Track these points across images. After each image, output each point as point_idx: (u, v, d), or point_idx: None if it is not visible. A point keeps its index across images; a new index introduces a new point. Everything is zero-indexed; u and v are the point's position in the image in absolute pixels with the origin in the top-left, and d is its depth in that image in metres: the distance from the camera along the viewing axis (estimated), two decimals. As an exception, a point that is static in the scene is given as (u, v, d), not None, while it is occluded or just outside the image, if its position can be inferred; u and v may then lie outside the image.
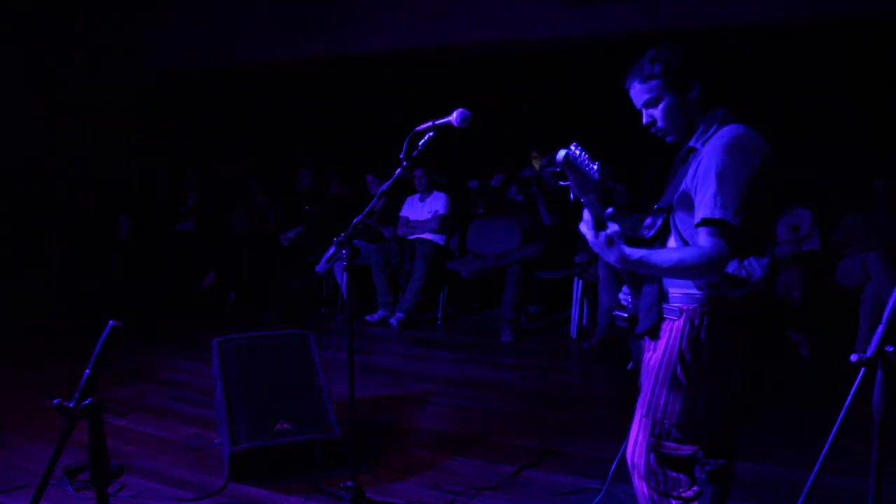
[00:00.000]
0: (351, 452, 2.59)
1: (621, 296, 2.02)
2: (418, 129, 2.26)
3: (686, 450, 1.82)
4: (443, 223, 5.88)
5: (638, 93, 1.86)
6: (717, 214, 1.64)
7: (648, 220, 1.92)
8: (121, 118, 7.97)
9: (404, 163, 2.29)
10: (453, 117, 2.21)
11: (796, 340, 4.58)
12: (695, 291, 1.77)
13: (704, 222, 1.67)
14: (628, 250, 1.70)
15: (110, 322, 1.52)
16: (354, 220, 2.38)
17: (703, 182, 1.70)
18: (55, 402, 1.48)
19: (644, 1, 5.49)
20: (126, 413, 3.66)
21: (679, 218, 1.81)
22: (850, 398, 1.41)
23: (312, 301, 6.23)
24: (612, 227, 1.71)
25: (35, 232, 7.23)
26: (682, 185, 1.78)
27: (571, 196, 1.71)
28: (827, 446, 1.47)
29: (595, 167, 1.68)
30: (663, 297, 1.84)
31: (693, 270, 1.70)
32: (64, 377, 3.78)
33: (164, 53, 7.45)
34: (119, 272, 6.79)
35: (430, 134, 2.26)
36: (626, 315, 1.94)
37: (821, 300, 4.59)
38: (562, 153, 1.63)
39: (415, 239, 5.87)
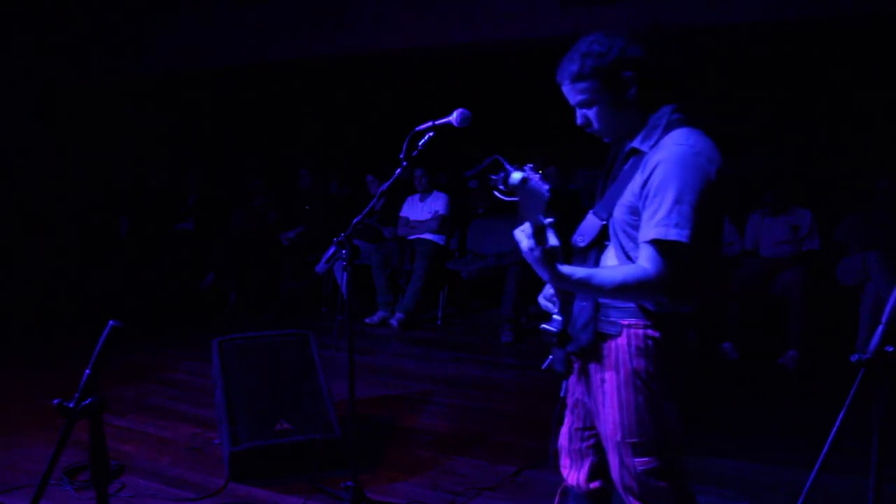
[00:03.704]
0: (351, 452, 2.59)
1: (542, 300, 1.85)
2: (418, 129, 2.26)
3: (666, 460, 1.72)
4: (443, 223, 5.88)
5: (569, 93, 1.68)
6: (672, 236, 1.51)
7: (582, 227, 1.78)
8: (121, 118, 7.97)
9: (404, 163, 2.29)
10: (453, 117, 2.21)
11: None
12: (634, 305, 1.65)
13: (655, 243, 1.53)
14: (567, 270, 1.58)
15: (110, 322, 1.52)
16: (354, 220, 2.38)
17: (656, 195, 1.54)
18: (55, 402, 1.48)
19: (643, 1, 5.49)
20: (126, 413, 3.66)
21: (621, 228, 1.66)
22: (849, 398, 1.41)
23: (312, 301, 6.23)
24: (552, 241, 1.57)
25: (35, 232, 7.23)
26: (627, 192, 1.63)
27: (519, 220, 1.57)
28: (827, 446, 1.46)
29: (546, 188, 1.56)
30: (600, 311, 1.69)
31: (635, 293, 1.59)
32: (64, 377, 3.80)
33: (164, 53, 7.44)
34: (119, 272, 6.78)
35: (430, 134, 2.26)
36: (554, 330, 1.77)
37: (821, 300, 4.59)
38: (517, 176, 1.52)
39: (415, 239, 5.87)
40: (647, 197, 1.57)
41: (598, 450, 1.85)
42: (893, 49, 5.06)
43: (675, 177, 1.53)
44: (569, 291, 1.73)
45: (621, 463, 1.73)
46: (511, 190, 1.54)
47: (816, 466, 1.49)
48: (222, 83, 7.78)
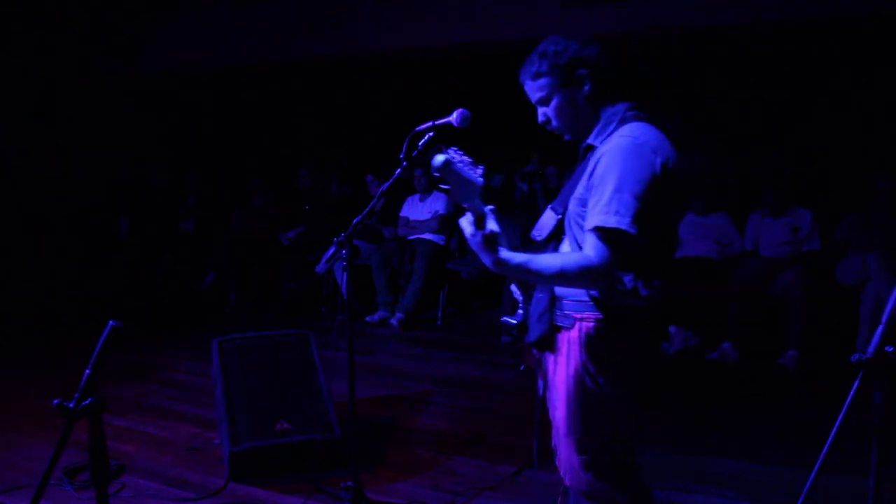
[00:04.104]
0: (351, 452, 2.59)
1: (513, 287, 1.88)
2: (418, 129, 2.26)
3: (610, 458, 1.73)
4: (443, 223, 5.88)
5: (530, 91, 1.77)
6: (611, 223, 1.52)
7: (540, 222, 1.81)
8: (121, 118, 7.97)
9: (404, 163, 2.29)
10: (453, 117, 2.21)
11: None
12: (587, 299, 1.65)
13: (596, 230, 1.55)
14: (506, 255, 1.61)
15: (110, 322, 1.52)
16: (354, 220, 2.38)
17: (599, 185, 1.57)
18: (55, 402, 1.48)
19: (643, 1, 5.49)
20: (126, 413, 3.66)
21: (574, 221, 1.69)
22: (850, 398, 1.40)
23: (312, 301, 6.23)
24: (491, 227, 1.61)
25: (35, 232, 7.23)
26: (579, 186, 1.67)
27: (451, 202, 1.67)
28: (827, 446, 1.46)
29: (478, 172, 1.61)
30: (555, 304, 1.71)
31: (576, 280, 1.61)
32: (64, 377, 3.80)
33: (164, 53, 7.44)
34: (119, 272, 6.78)
35: (430, 134, 2.26)
36: (514, 322, 1.81)
37: (821, 300, 4.59)
38: (440, 158, 1.57)
39: (415, 239, 5.87)
40: (592, 188, 1.60)
41: None
42: (893, 49, 5.05)
43: (616, 166, 1.56)
44: (528, 283, 1.77)
45: (569, 457, 1.74)
46: (440, 175, 1.59)
47: (816, 466, 1.49)
48: (222, 83, 7.78)
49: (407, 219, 6.06)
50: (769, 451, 3.10)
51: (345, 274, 2.51)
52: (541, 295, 1.74)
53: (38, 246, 7.11)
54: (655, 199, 1.55)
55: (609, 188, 1.55)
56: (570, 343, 1.68)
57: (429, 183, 5.96)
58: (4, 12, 7.14)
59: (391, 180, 2.37)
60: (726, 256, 5.09)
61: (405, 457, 3.15)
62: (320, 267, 2.60)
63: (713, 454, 3.09)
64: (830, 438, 1.45)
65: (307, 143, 7.91)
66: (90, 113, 7.79)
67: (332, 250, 2.43)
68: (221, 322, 5.82)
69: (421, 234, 5.90)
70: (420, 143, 2.27)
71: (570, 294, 1.69)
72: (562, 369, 1.71)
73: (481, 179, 1.62)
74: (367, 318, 5.65)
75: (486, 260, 1.62)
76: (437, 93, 6.44)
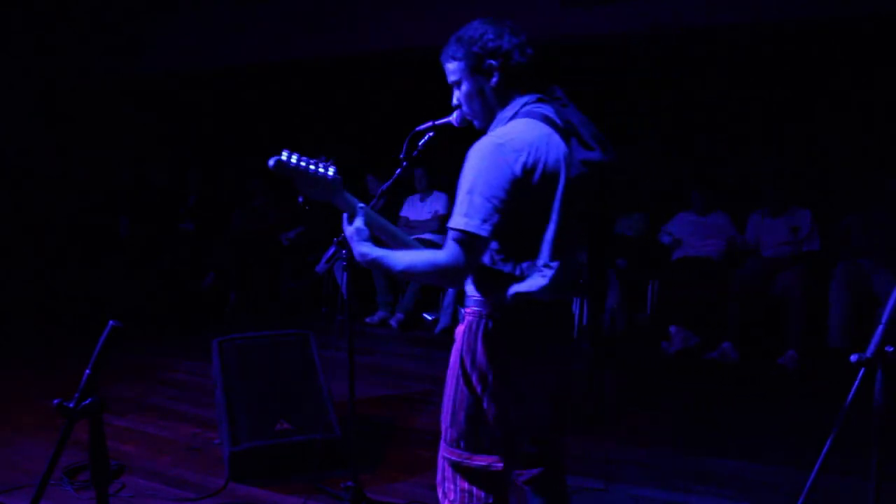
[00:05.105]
0: (351, 452, 2.59)
1: None
2: (418, 129, 2.26)
3: (478, 461, 1.65)
4: (443, 223, 5.87)
5: (447, 72, 1.78)
6: (460, 225, 1.52)
7: None
8: (121, 118, 7.97)
9: (404, 163, 2.29)
10: (453, 117, 2.20)
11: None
12: (477, 293, 1.65)
13: (451, 230, 1.55)
14: (366, 249, 1.66)
15: (110, 322, 1.52)
16: (355, 220, 2.38)
17: (460, 186, 1.57)
18: (55, 402, 1.48)
19: (643, 1, 5.49)
20: (126, 413, 3.66)
21: None
22: (850, 398, 1.41)
23: (312, 301, 6.23)
24: (356, 223, 1.71)
25: (35, 232, 7.23)
26: None
27: (301, 199, 1.77)
28: (827, 446, 1.47)
29: (331, 170, 1.71)
30: (460, 297, 1.73)
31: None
32: (64, 377, 3.80)
33: (164, 53, 7.44)
34: (119, 272, 6.79)
35: (430, 134, 2.25)
36: (431, 318, 1.89)
37: (821, 300, 4.58)
38: (272, 161, 1.67)
39: (415, 239, 5.86)
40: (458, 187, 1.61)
41: None
42: (893, 49, 5.05)
43: (471, 168, 1.56)
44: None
45: (441, 447, 1.73)
46: (286, 175, 1.71)
47: (816, 466, 1.49)
48: (222, 83, 7.78)
49: (407, 219, 6.05)
50: (769, 451, 3.10)
51: (345, 274, 2.51)
52: (452, 289, 1.77)
53: (38, 246, 7.11)
54: (515, 201, 1.54)
55: (463, 190, 1.55)
56: (460, 336, 1.68)
57: (429, 183, 5.97)
58: (4, 12, 7.14)
59: (391, 180, 2.37)
60: (734, 251, 5.08)
61: (405, 457, 3.15)
62: (320, 267, 2.60)
63: (713, 454, 3.09)
64: (830, 438, 1.45)
65: (307, 143, 7.91)
66: (90, 113, 7.79)
67: (332, 250, 2.43)
68: (221, 322, 5.82)
69: (421, 234, 5.89)
70: (420, 143, 2.27)
71: (472, 291, 1.67)
72: (451, 362, 1.70)
73: (334, 175, 1.72)
74: (367, 319, 5.65)
75: (355, 252, 1.69)
76: (437, 93, 6.43)
